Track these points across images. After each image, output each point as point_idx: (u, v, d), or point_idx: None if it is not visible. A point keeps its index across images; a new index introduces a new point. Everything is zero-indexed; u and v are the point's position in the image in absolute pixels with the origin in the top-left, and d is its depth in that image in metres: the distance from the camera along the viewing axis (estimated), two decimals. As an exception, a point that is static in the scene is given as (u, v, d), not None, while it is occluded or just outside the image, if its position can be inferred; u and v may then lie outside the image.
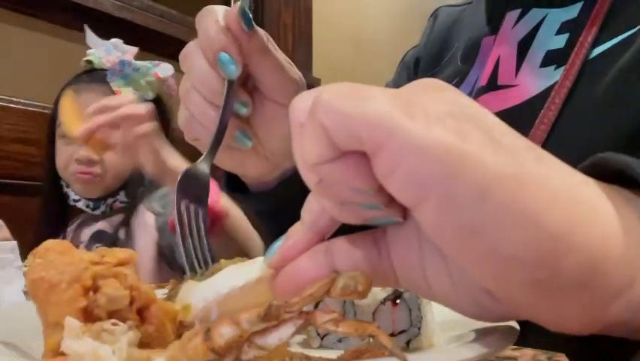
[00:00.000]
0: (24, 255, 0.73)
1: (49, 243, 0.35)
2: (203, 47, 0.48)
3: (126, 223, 1.31)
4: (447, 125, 0.25)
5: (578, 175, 0.28)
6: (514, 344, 0.33)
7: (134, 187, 1.34)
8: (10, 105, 1.46)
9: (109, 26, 1.68)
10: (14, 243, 0.76)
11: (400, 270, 0.30)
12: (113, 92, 1.26)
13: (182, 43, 0.51)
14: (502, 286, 0.27)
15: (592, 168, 0.30)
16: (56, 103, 1.33)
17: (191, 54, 0.49)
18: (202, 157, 0.49)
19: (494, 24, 0.72)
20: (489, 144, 0.25)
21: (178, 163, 1.05)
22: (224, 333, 0.26)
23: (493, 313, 0.29)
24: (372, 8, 2.76)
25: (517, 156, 0.26)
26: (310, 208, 0.31)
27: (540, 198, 0.25)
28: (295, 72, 0.53)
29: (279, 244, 0.31)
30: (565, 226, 0.25)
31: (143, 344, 0.31)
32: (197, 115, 0.50)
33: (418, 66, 0.84)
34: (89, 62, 1.34)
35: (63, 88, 1.33)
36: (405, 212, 0.29)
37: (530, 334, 0.37)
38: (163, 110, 1.35)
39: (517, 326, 0.34)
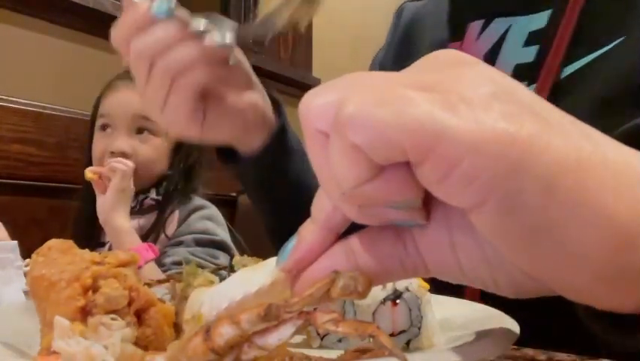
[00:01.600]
0: (24, 255, 0.73)
1: (52, 242, 0.35)
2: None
3: (158, 223, 1.34)
4: (495, 111, 0.22)
5: (625, 149, 0.25)
6: (514, 344, 0.33)
7: (167, 186, 1.37)
8: (10, 105, 1.46)
9: (109, 26, 1.67)
10: (14, 243, 0.76)
11: (430, 261, 0.28)
12: None
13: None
14: (561, 281, 0.24)
15: (630, 136, 0.27)
16: (100, 95, 1.36)
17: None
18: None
19: (458, 32, 0.68)
20: (544, 126, 0.22)
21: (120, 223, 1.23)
22: (224, 333, 0.26)
23: (530, 291, 0.27)
24: (372, 8, 2.76)
25: (571, 136, 0.23)
26: (321, 206, 0.28)
27: (606, 185, 0.22)
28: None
29: (291, 246, 0.29)
30: (633, 214, 0.23)
31: (140, 347, 0.31)
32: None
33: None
34: None
35: (113, 80, 1.36)
36: (429, 213, 0.27)
37: (530, 334, 0.37)
38: None
39: (517, 326, 0.34)
